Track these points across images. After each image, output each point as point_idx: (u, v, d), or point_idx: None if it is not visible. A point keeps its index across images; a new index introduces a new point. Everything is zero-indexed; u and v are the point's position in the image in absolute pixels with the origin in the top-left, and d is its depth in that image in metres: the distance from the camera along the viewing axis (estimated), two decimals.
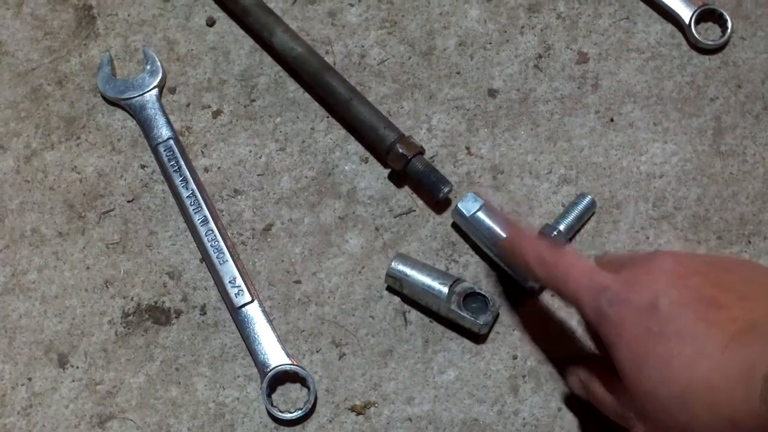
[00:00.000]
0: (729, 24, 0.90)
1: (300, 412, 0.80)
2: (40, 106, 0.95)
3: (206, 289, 0.86)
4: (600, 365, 0.73)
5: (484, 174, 0.88)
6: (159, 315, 0.85)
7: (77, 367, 0.84)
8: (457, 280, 0.81)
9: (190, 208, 0.88)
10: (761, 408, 0.54)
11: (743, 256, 0.83)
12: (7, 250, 0.89)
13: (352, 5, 0.96)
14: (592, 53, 0.92)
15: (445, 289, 0.80)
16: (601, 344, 0.70)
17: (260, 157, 0.91)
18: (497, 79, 0.92)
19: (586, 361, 0.76)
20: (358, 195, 0.89)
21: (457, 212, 0.84)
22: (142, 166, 0.91)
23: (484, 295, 0.80)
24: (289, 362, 0.81)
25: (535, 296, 0.84)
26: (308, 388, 0.81)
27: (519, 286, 0.83)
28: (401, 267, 0.82)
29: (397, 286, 0.83)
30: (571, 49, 0.92)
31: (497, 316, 0.82)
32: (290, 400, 0.82)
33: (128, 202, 0.90)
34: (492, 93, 0.91)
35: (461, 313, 0.80)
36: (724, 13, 0.91)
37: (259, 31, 0.94)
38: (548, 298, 0.84)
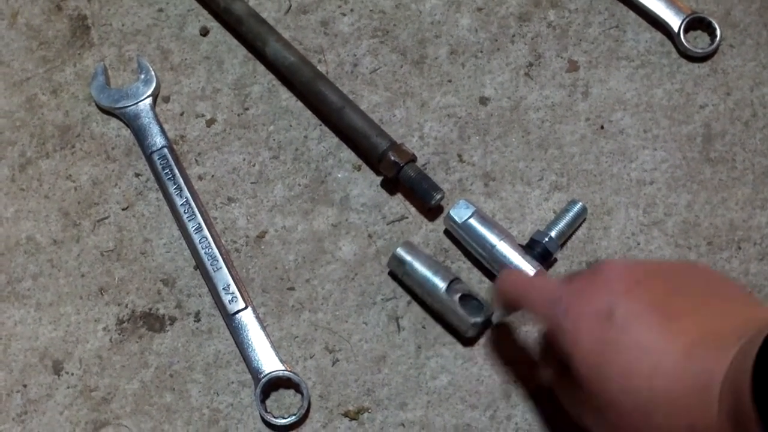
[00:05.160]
0: (718, 32, 0.91)
1: (294, 417, 0.80)
2: (35, 115, 0.95)
3: (200, 296, 0.87)
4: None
5: (476, 181, 0.89)
6: (153, 322, 0.86)
7: (72, 374, 0.85)
8: (457, 279, 0.82)
9: (184, 216, 0.88)
10: (719, 418, 0.54)
11: (733, 262, 0.84)
12: (2, 257, 0.89)
13: (344, 14, 0.97)
14: (582, 61, 0.93)
15: (444, 283, 0.81)
16: (558, 358, 0.70)
17: (254, 165, 0.91)
18: (488, 87, 0.93)
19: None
20: (351, 202, 0.89)
21: (449, 219, 0.85)
22: (137, 175, 0.92)
23: (479, 301, 0.81)
24: (283, 368, 0.82)
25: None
26: (302, 394, 0.81)
27: None
28: (406, 253, 0.82)
29: (399, 271, 0.84)
30: (562, 58, 0.93)
31: (489, 324, 0.83)
32: (284, 406, 0.82)
33: (123, 209, 0.91)
34: (483, 101, 0.92)
35: (455, 308, 0.80)
36: (713, 21, 0.92)
37: (253, 40, 0.94)
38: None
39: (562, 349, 0.65)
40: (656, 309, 0.61)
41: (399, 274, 0.84)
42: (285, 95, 0.95)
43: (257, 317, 0.84)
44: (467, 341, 0.83)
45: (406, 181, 0.86)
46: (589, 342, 0.62)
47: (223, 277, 0.85)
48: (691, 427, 0.56)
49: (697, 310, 0.61)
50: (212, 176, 0.91)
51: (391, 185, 0.90)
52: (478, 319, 0.80)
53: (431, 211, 0.88)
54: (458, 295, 0.81)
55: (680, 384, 0.57)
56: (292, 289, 0.86)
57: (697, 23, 0.93)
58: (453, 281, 0.81)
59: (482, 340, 0.83)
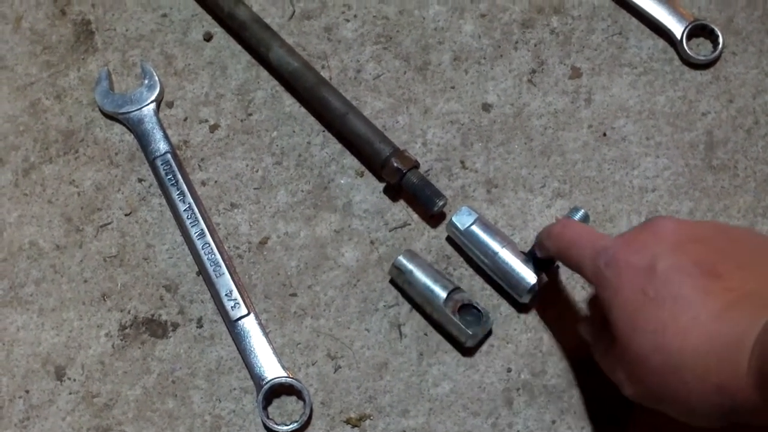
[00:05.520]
0: (720, 39, 0.91)
1: (296, 424, 0.80)
2: (39, 120, 0.96)
3: (203, 302, 0.87)
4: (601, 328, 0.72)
5: (479, 188, 0.89)
6: (156, 328, 0.86)
7: (74, 380, 0.85)
8: (457, 289, 0.82)
9: (187, 222, 0.88)
10: (748, 378, 0.55)
11: None
12: (5, 262, 0.90)
13: (347, 20, 0.97)
14: (585, 68, 0.93)
15: (444, 293, 0.81)
16: (599, 313, 0.70)
17: (257, 171, 0.92)
18: (491, 93, 0.93)
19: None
20: (354, 208, 0.89)
21: (452, 226, 0.85)
22: (140, 180, 0.92)
23: (479, 310, 0.81)
24: (285, 375, 0.82)
25: (529, 310, 0.84)
26: (304, 401, 0.81)
27: (514, 300, 0.84)
28: (407, 262, 0.83)
29: (399, 280, 0.84)
30: (565, 64, 0.93)
31: (489, 333, 0.83)
32: (286, 413, 0.82)
33: (126, 215, 0.91)
34: (486, 107, 0.92)
35: (453, 319, 0.80)
36: (716, 28, 0.92)
37: (256, 46, 0.94)
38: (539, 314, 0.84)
39: (603, 299, 0.65)
40: (700, 266, 0.61)
41: (399, 282, 0.84)
42: (288, 101, 0.95)
43: (259, 323, 0.84)
44: (467, 350, 0.83)
45: (408, 187, 0.86)
46: (628, 292, 0.63)
47: (226, 283, 0.85)
48: (720, 387, 0.57)
49: (741, 271, 0.61)
50: (215, 182, 0.91)
51: (393, 192, 0.90)
52: (476, 332, 0.80)
53: (434, 217, 0.88)
54: (458, 306, 0.81)
55: (712, 343, 0.58)
56: (294, 295, 0.86)
57: (699, 30, 0.93)
58: (453, 291, 0.81)
59: (484, 347, 0.83)
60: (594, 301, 0.80)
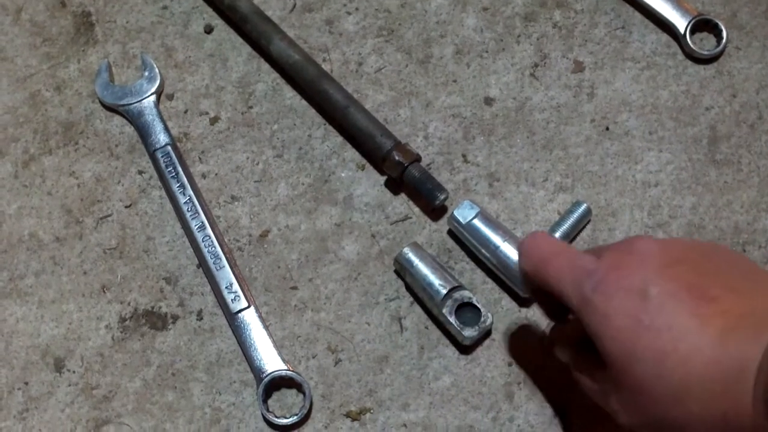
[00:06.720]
0: (724, 34, 0.91)
1: (296, 417, 0.80)
2: (39, 112, 0.95)
3: (203, 294, 0.86)
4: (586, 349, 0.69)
5: (480, 181, 0.89)
6: (155, 320, 0.86)
7: (74, 372, 0.84)
8: (458, 287, 0.81)
9: (188, 214, 0.88)
10: (753, 406, 0.53)
11: None
12: (5, 254, 0.89)
13: (349, 13, 0.97)
14: (587, 62, 0.93)
15: (443, 291, 0.80)
16: (579, 335, 0.68)
17: (257, 164, 0.91)
18: (494, 87, 0.92)
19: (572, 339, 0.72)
20: (355, 202, 0.89)
21: (453, 219, 0.84)
22: (140, 172, 0.92)
23: (479, 309, 0.80)
24: (285, 368, 0.81)
25: (528, 306, 0.84)
26: (304, 394, 0.81)
27: (515, 294, 0.84)
28: (411, 256, 0.82)
29: (402, 272, 0.84)
30: (567, 58, 0.93)
31: (488, 333, 0.82)
32: (286, 406, 0.82)
33: (126, 207, 0.90)
34: (488, 101, 0.92)
35: (450, 319, 0.80)
36: (719, 23, 0.91)
37: (257, 38, 0.94)
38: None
39: (589, 325, 0.62)
40: (691, 290, 0.59)
41: (403, 275, 0.84)
42: (289, 94, 0.94)
43: (260, 316, 0.84)
44: (466, 348, 0.83)
45: (410, 181, 0.86)
46: (621, 321, 0.60)
47: (226, 275, 0.85)
48: (725, 414, 0.55)
49: (732, 293, 0.59)
50: (216, 174, 0.91)
51: (395, 185, 0.89)
52: (472, 333, 0.80)
53: (435, 211, 0.88)
54: (457, 305, 0.80)
55: (715, 369, 0.56)
56: (294, 288, 0.86)
57: (703, 25, 0.92)
58: (452, 289, 0.81)
59: (486, 342, 0.83)
60: (573, 323, 0.75)
